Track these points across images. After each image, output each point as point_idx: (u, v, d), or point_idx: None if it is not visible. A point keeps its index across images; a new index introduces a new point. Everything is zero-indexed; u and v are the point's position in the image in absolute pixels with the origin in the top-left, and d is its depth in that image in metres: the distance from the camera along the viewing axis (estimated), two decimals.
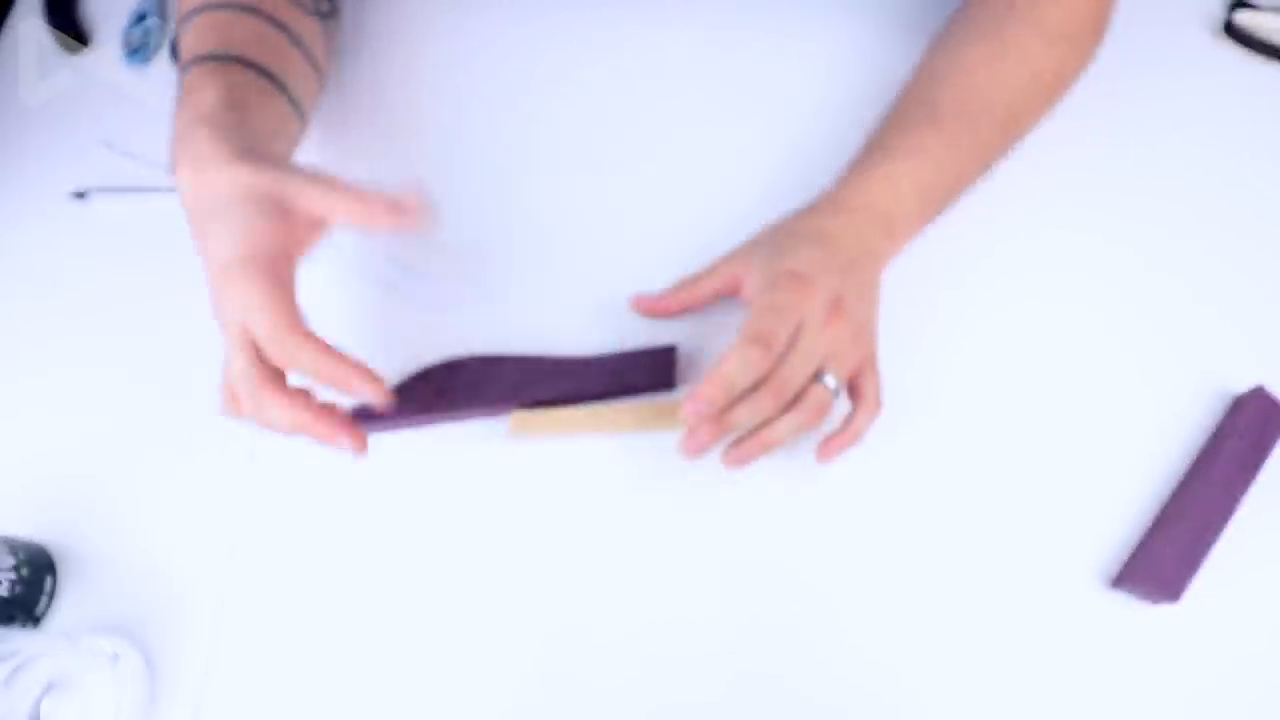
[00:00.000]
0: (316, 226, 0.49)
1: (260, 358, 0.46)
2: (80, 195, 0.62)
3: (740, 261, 0.53)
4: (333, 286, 0.59)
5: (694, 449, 0.47)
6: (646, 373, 0.54)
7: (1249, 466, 0.51)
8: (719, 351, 0.56)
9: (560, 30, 0.66)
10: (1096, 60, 0.57)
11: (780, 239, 0.52)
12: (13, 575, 0.49)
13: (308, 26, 0.58)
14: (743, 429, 0.48)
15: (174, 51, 0.66)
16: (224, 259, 0.46)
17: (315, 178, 0.46)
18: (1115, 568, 0.51)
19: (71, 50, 0.67)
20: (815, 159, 0.60)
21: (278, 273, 0.46)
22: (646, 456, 0.54)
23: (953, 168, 0.53)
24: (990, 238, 0.58)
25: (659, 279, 0.57)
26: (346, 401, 0.51)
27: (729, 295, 0.53)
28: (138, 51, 0.66)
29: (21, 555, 0.50)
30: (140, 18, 0.67)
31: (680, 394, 0.55)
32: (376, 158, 0.61)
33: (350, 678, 0.50)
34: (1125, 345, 0.56)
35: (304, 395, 0.47)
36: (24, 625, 0.51)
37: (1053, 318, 0.57)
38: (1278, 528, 0.52)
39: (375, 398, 0.47)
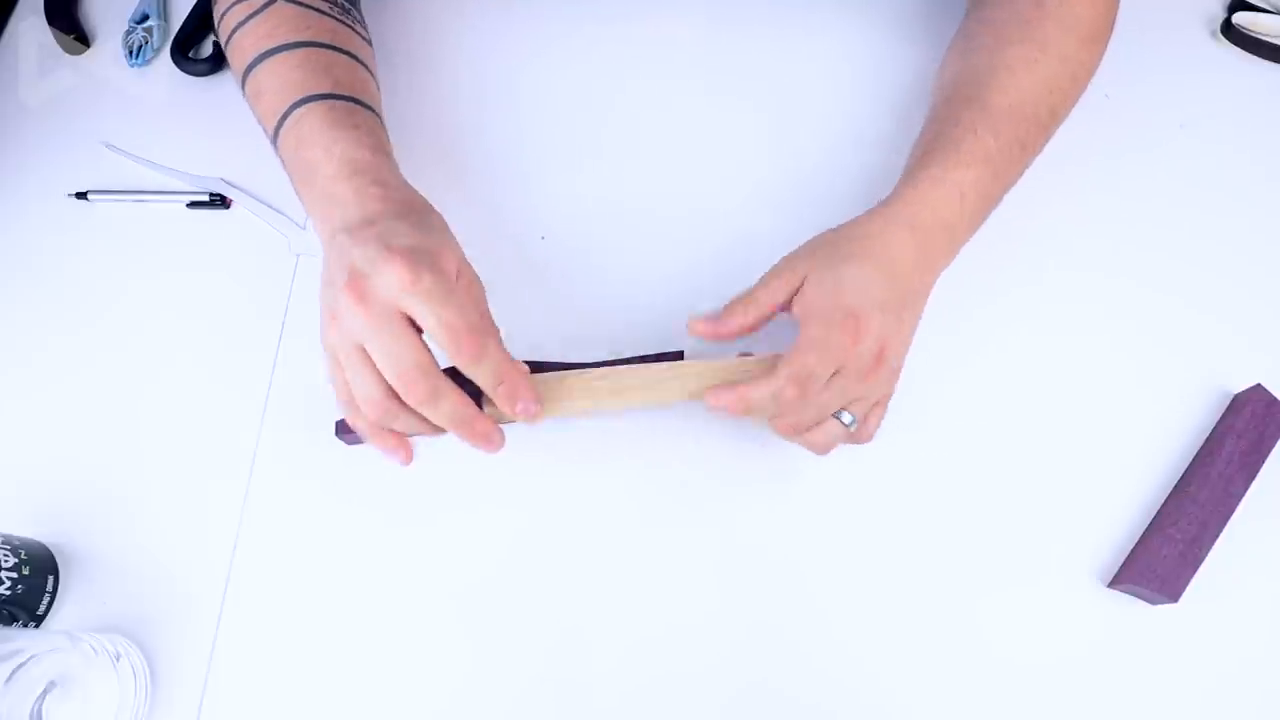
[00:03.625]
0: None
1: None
2: (80, 195, 0.62)
3: (797, 274, 0.49)
4: None
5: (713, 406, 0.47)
6: None
7: (1248, 465, 0.51)
8: (724, 356, 0.55)
9: (566, 33, 0.66)
10: None
11: (843, 257, 0.48)
12: (15, 575, 0.49)
13: (370, 57, 0.58)
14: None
15: (177, 53, 0.66)
16: (405, 244, 0.43)
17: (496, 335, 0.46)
18: (1114, 567, 0.51)
19: (72, 51, 0.67)
20: (823, 156, 0.61)
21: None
22: (650, 460, 0.54)
23: (1007, 172, 0.52)
24: (988, 238, 0.58)
25: (666, 282, 0.57)
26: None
27: (785, 310, 0.50)
28: (138, 52, 0.66)
29: (23, 555, 0.50)
30: (141, 19, 0.67)
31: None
32: None
33: (350, 677, 0.50)
34: (1124, 344, 0.56)
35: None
36: (26, 624, 0.51)
37: (1051, 318, 0.57)
38: (1277, 528, 0.52)
39: (531, 414, 0.46)
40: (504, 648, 0.51)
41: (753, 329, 0.50)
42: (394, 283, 0.42)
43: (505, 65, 0.65)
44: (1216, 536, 0.50)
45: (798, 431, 0.48)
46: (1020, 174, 0.54)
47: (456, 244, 0.49)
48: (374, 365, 0.43)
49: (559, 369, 0.55)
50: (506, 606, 0.51)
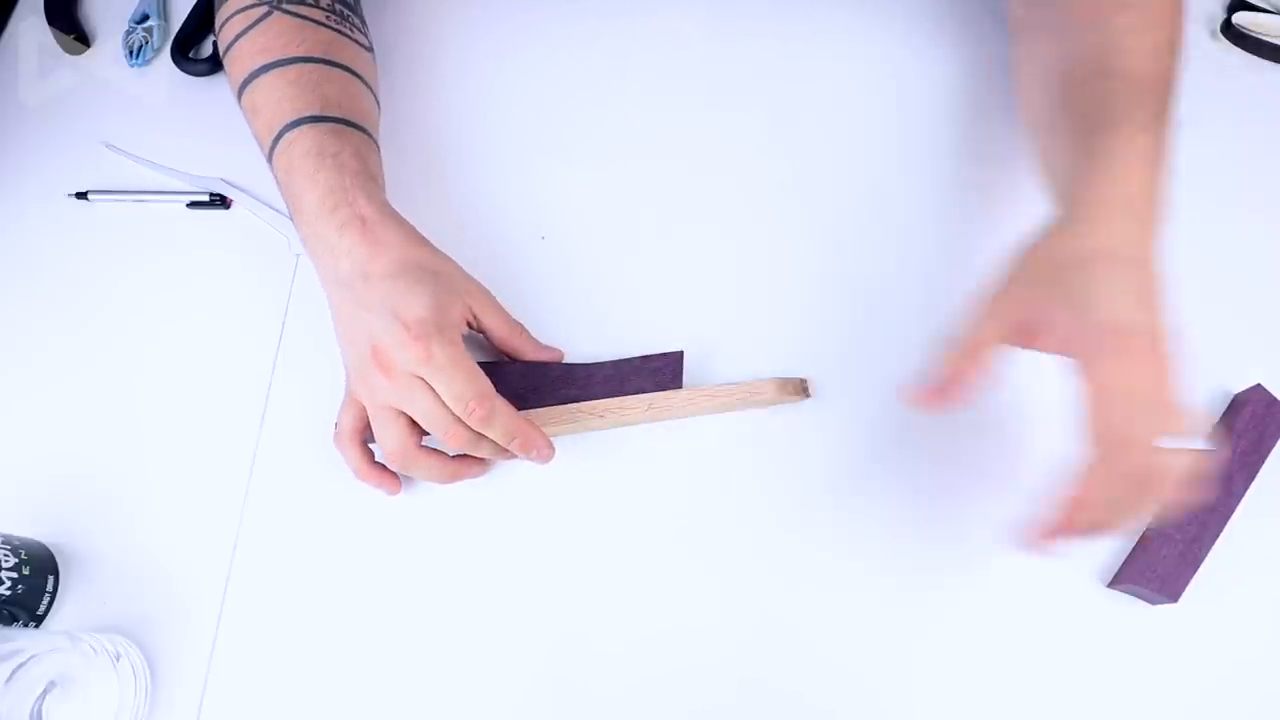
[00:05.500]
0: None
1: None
2: (80, 195, 0.62)
3: (1022, 304, 0.45)
4: None
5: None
6: (654, 377, 0.54)
7: (1248, 465, 0.51)
8: (723, 354, 0.56)
9: (567, 31, 0.66)
10: None
11: (1074, 273, 0.44)
12: (15, 575, 0.49)
13: (367, 65, 0.58)
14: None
15: (177, 53, 0.66)
16: (415, 317, 0.47)
17: (502, 313, 0.54)
18: (1114, 567, 0.51)
19: (72, 51, 0.67)
20: (826, 156, 0.61)
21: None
22: (650, 466, 0.54)
23: (1167, 132, 0.49)
24: (988, 236, 0.58)
25: (666, 282, 0.57)
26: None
27: (1018, 346, 0.46)
28: (138, 52, 0.66)
29: (24, 555, 0.50)
30: (141, 19, 0.67)
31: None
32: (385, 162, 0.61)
33: (351, 678, 0.50)
34: None
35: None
36: (26, 624, 0.51)
37: None
38: (1277, 528, 0.52)
39: (544, 458, 0.51)
40: (504, 647, 0.51)
41: (973, 383, 0.44)
42: (411, 358, 0.47)
43: (505, 63, 0.65)
44: (1216, 536, 0.50)
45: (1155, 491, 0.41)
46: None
47: (450, 268, 0.52)
48: (401, 420, 0.49)
49: (556, 370, 0.55)
50: (507, 606, 0.51)
